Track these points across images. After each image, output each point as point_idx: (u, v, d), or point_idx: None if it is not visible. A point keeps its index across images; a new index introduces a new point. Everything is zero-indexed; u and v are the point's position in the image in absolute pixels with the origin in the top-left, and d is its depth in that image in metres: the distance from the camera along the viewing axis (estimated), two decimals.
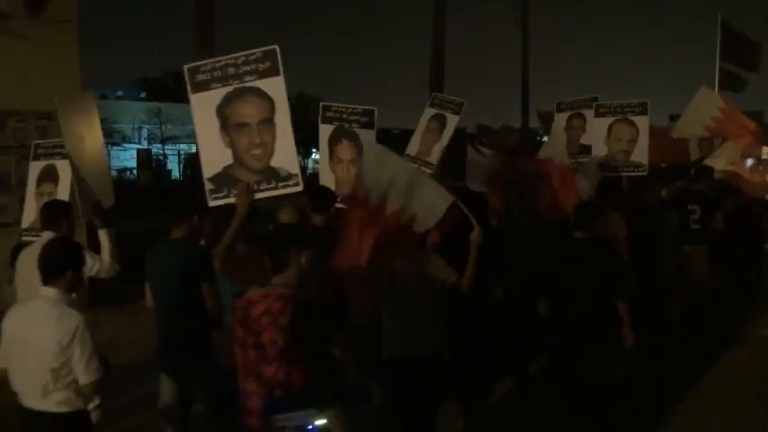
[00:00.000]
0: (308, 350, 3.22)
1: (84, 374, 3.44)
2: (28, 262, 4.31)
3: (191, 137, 35.77)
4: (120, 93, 61.15)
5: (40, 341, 3.39)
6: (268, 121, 4.40)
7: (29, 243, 5.04)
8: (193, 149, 20.34)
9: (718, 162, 9.43)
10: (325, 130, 6.50)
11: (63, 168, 5.49)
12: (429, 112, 7.88)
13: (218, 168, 4.43)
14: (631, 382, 6.00)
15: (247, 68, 4.42)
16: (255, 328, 3.20)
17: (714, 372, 6.99)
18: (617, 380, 5.28)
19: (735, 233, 8.91)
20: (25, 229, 5.54)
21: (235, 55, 4.46)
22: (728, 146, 9.82)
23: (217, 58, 4.56)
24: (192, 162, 30.38)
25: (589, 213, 5.28)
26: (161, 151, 47.67)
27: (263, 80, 4.40)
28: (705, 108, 9.75)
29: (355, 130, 6.48)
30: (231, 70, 4.44)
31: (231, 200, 4.38)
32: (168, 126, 47.45)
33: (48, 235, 4.58)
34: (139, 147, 49.09)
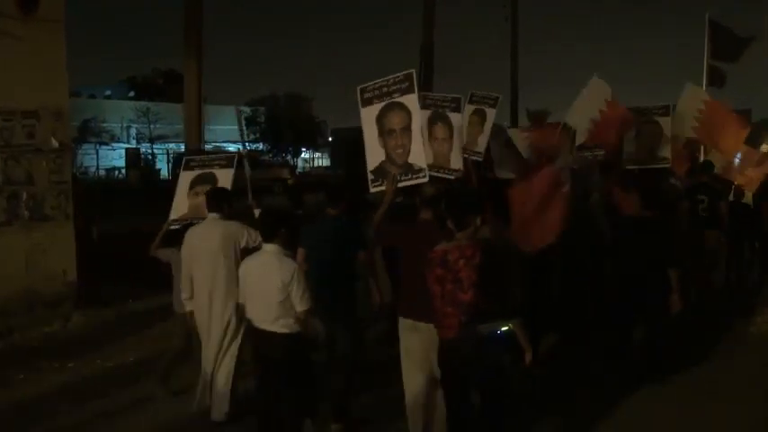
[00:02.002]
0: (493, 280, 4.26)
1: (299, 304, 4.67)
2: (197, 234, 5.68)
3: (179, 136, 35.62)
4: (108, 92, 60.87)
5: (269, 281, 4.66)
6: (407, 129, 5.83)
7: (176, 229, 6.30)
8: (182, 149, 20.27)
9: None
10: (423, 114, 6.88)
11: (222, 176, 6.65)
12: (469, 108, 8.30)
13: (376, 163, 5.92)
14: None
15: (395, 87, 5.89)
16: (454, 268, 4.27)
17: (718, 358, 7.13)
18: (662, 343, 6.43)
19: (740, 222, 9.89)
20: (174, 220, 6.54)
21: (387, 77, 5.98)
22: (713, 154, 10.45)
23: (375, 81, 6.04)
24: (180, 161, 30.31)
25: (654, 195, 6.48)
26: (150, 150, 47.49)
27: (404, 96, 5.84)
28: (690, 107, 10.11)
29: (447, 114, 7.25)
30: (385, 89, 5.93)
31: (383, 187, 5.74)
32: (157, 125, 47.27)
33: (212, 216, 5.69)
34: (128, 146, 48.89)
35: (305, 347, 4.95)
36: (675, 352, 6.85)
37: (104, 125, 45.81)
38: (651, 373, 6.45)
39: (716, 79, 14.57)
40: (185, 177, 6.83)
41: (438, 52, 18.71)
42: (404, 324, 5.01)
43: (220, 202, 5.77)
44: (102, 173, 44.12)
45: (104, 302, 9.28)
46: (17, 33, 8.48)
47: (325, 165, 57.94)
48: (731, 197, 10.05)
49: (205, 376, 5.67)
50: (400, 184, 5.77)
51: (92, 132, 44.33)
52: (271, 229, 4.84)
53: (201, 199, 6.21)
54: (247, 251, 5.43)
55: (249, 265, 4.90)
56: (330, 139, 56.57)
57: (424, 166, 5.80)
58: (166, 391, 6.14)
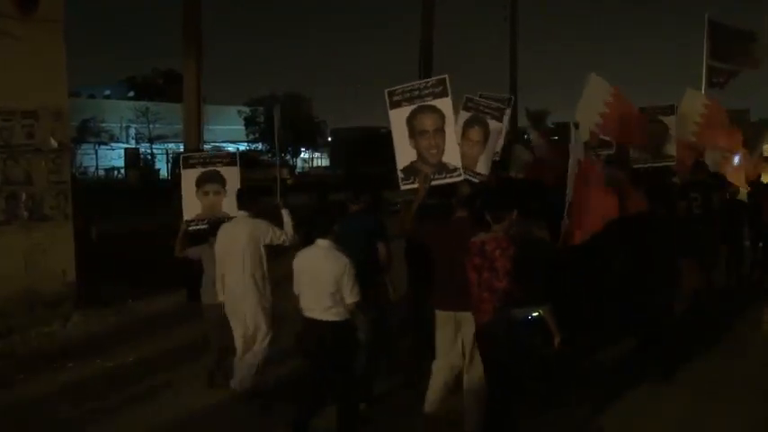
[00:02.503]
0: (525, 270, 4.72)
1: (349, 296, 5.10)
2: (226, 231, 6.16)
3: (178, 136, 35.61)
4: (107, 92, 60.82)
5: (322, 274, 5.08)
6: (440, 130, 6.14)
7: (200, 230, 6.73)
8: (181, 149, 20.28)
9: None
10: (462, 116, 7.14)
11: (229, 174, 6.92)
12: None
13: (406, 162, 6.20)
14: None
15: (426, 91, 6.19)
16: (490, 258, 4.77)
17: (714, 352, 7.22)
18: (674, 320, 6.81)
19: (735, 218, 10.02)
20: (190, 221, 6.76)
21: (418, 82, 6.39)
22: (710, 153, 10.70)
23: (404, 85, 6.35)
24: (179, 161, 30.28)
25: (661, 193, 7.13)
26: (149, 150, 47.48)
27: (437, 99, 6.14)
28: (691, 111, 10.34)
29: (488, 120, 7.16)
30: (416, 92, 6.21)
31: (415, 185, 6.04)
32: (156, 125, 47.24)
33: (242, 214, 6.17)
34: (127, 146, 48.85)
35: (352, 335, 5.40)
36: (676, 352, 6.87)
37: (103, 125, 45.78)
38: (651, 373, 6.50)
39: (716, 80, 14.58)
40: (189, 176, 6.94)
41: (437, 52, 18.75)
42: (439, 315, 5.43)
43: (249, 201, 6.26)
44: (101, 173, 44.10)
45: (104, 302, 9.27)
46: (16, 33, 8.48)
47: (324, 165, 57.94)
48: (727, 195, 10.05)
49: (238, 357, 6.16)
50: (434, 182, 6.08)
51: (91, 132, 44.33)
52: (324, 226, 5.25)
53: (214, 198, 6.80)
54: (272, 247, 6.11)
55: (303, 259, 5.30)
56: (329, 139, 56.56)
57: (459, 165, 6.13)
58: (217, 375, 6.48)
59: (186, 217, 6.77)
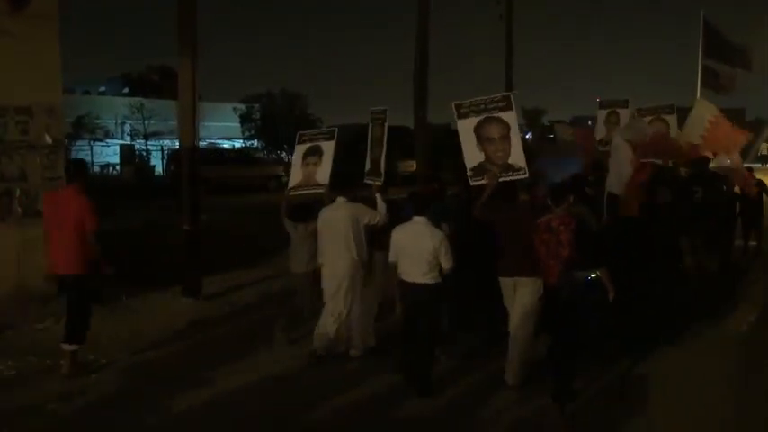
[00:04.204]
0: (583, 241, 6.05)
1: (446, 262, 6.23)
2: (329, 213, 7.28)
3: (174, 132, 35.50)
4: (102, 88, 60.55)
5: (422, 245, 6.20)
6: (505, 137, 7.30)
7: (302, 198, 7.93)
8: (176, 145, 20.23)
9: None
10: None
11: (327, 147, 7.99)
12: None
13: (475, 163, 7.39)
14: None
15: (492, 105, 7.40)
16: (556, 232, 6.07)
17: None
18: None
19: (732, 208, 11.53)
20: (291, 188, 8.03)
21: (483, 98, 7.51)
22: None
23: (472, 99, 7.54)
24: (175, 158, 30.17)
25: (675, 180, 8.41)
26: (144, 147, 47.30)
27: (503, 113, 7.34)
28: (700, 118, 11.15)
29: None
30: (482, 106, 7.43)
31: (484, 181, 7.17)
32: (151, 122, 47.02)
33: (340, 199, 7.31)
34: (122, 142, 48.67)
35: (442, 295, 6.43)
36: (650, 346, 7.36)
37: (98, 121, 45.49)
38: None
39: (711, 81, 14.61)
40: (298, 150, 8.21)
41: (434, 50, 18.72)
42: (504, 281, 6.56)
43: (345, 189, 7.47)
44: (96, 169, 43.94)
45: (99, 299, 9.24)
46: (10, 29, 8.48)
47: None
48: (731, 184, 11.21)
49: (327, 325, 7.13)
50: (501, 179, 7.14)
51: (86, 129, 44.08)
52: (421, 206, 6.46)
53: (312, 168, 7.98)
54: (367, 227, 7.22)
55: (402, 233, 6.43)
56: None
57: (524, 165, 7.20)
58: (284, 338, 7.66)
59: (290, 185, 8.06)
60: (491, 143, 7.35)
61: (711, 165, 10.68)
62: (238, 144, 47.74)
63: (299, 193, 7.95)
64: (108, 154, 45.93)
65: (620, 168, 7.98)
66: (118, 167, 44.24)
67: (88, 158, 43.92)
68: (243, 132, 49.39)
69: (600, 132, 11.35)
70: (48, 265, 6.81)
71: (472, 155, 7.42)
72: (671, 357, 7.35)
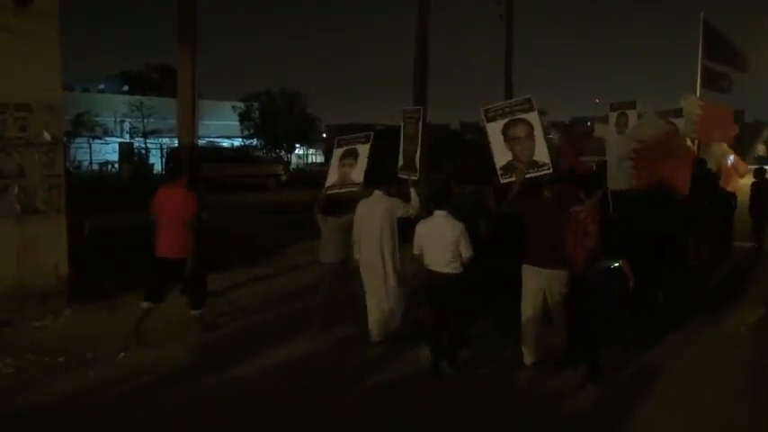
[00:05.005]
0: (608, 232, 6.56)
1: (465, 252, 6.69)
2: (366, 205, 7.84)
3: (173, 131, 35.45)
4: (101, 86, 60.50)
5: (444, 236, 6.69)
6: (530, 136, 7.77)
7: (334, 195, 8.42)
8: (176, 143, 20.20)
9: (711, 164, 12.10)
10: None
11: (362, 149, 8.50)
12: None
13: (504, 162, 7.84)
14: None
15: (517, 108, 7.93)
16: (583, 223, 6.57)
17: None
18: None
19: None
20: (328, 187, 8.49)
21: (508, 102, 8.28)
22: (712, 151, 12.48)
23: (498, 104, 8.22)
24: (174, 156, 30.15)
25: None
26: (143, 145, 47.27)
27: (526, 114, 7.84)
28: (690, 112, 11.49)
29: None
30: (507, 110, 8.00)
31: (512, 179, 7.61)
32: (150, 120, 47.01)
33: (378, 193, 7.87)
34: (121, 140, 48.64)
35: (466, 283, 6.84)
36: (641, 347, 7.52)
37: (98, 119, 45.48)
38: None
39: (711, 81, 14.64)
40: (336, 154, 8.78)
41: (433, 50, 18.72)
42: (527, 269, 6.97)
43: (383, 184, 8.03)
44: (95, 167, 43.92)
45: (96, 297, 9.24)
46: (11, 26, 8.45)
47: (318, 161, 57.85)
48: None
49: (373, 312, 7.74)
50: (527, 176, 7.57)
51: (85, 126, 44.05)
52: (441, 200, 7.01)
53: (347, 169, 8.48)
54: (401, 219, 7.76)
55: (426, 226, 6.91)
56: (324, 135, 56.46)
57: (548, 161, 7.63)
58: (325, 326, 8.18)
59: (327, 185, 8.49)
60: (517, 142, 7.87)
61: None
62: (237, 142, 47.68)
63: (335, 191, 8.48)
64: (107, 152, 45.94)
65: (621, 164, 8.39)
66: (117, 165, 44.20)
67: (87, 156, 43.98)
68: (242, 131, 49.42)
69: (611, 134, 11.52)
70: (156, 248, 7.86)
71: (501, 154, 7.94)
72: (671, 357, 7.37)
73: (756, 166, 14.65)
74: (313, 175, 34.54)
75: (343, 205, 8.36)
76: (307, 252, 12.69)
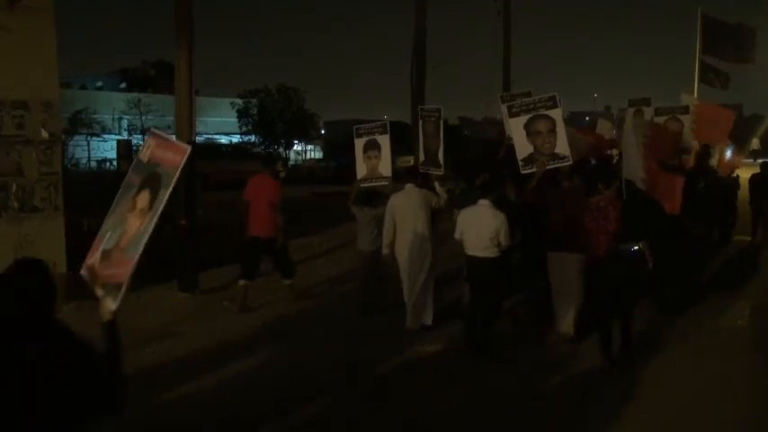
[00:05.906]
0: (628, 217, 6.91)
1: (505, 240, 7.13)
2: (402, 198, 8.19)
3: (171, 127, 35.39)
4: (99, 83, 60.37)
5: (485, 224, 7.11)
6: (552, 131, 8.31)
7: (368, 188, 9.15)
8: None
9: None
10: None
11: (383, 140, 9.14)
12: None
13: (525, 154, 8.41)
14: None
15: (540, 104, 8.43)
16: (605, 210, 6.99)
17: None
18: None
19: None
20: (360, 180, 9.18)
21: (532, 98, 8.72)
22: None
23: (522, 100, 8.82)
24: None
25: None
26: (141, 142, 47.24)
27: (549, 110, 8.33)
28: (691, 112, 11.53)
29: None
30: (531, 105, 8.48)
31: (534, 170, 8.28)
32: (148, 117, 46.90)
33: (410, 186, 8.25)
34: (119, 138, 48.53)
35: (502, 267, 7.36)
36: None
37: (95, 116, 45.37)
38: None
39: (709, 76, 14.65)
40: (358, 144, 9.31)
41: (431, 48, 18.69)
42: (551, 255, 7.79)
43: (415, 176, 8.52)
44: (93, 164, 43.83)
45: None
46: (6, 23, 8.42)
47: (317, 157, 57.79)
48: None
49: (410, 300, 8.17)
50: (548, 167, 8.21)
51: (83, 124, 43.96)
52: (486, 190, 7.43)
53: (374, 162, 9.16)
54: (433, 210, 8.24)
55: (468, 215, 7.37)
56: (322, 131, 56.36)
57: (568, 153, 8.17)
58: (365, 310, 8.72)
59: (358, 177, 9.19)
60: (539, 136, 8.38)
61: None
62: (235, 139, 47.60)
63: (367, 185, 9.12)
64: (105, 149, 45.82)
65: (632, 161, 8.68)
66: (115, 163, 44.10)
67: (85, 154, 43.91)
68: (240, 127, 49.34)
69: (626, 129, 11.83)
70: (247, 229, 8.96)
71: (523, 147, 8.46)
72: (670, 356, 7.38)
73: (762, 161, 14.76)
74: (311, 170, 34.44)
75: (376, 195, 8.99)
76: (302, 249, 12.71)
